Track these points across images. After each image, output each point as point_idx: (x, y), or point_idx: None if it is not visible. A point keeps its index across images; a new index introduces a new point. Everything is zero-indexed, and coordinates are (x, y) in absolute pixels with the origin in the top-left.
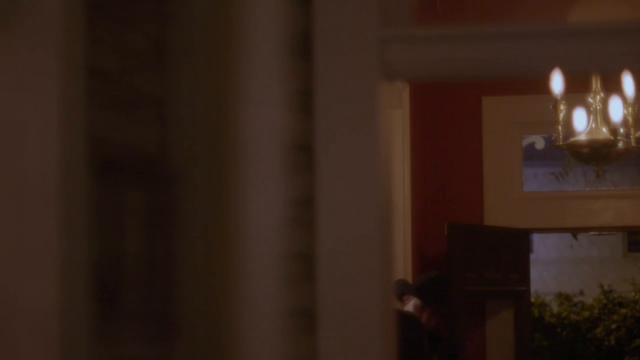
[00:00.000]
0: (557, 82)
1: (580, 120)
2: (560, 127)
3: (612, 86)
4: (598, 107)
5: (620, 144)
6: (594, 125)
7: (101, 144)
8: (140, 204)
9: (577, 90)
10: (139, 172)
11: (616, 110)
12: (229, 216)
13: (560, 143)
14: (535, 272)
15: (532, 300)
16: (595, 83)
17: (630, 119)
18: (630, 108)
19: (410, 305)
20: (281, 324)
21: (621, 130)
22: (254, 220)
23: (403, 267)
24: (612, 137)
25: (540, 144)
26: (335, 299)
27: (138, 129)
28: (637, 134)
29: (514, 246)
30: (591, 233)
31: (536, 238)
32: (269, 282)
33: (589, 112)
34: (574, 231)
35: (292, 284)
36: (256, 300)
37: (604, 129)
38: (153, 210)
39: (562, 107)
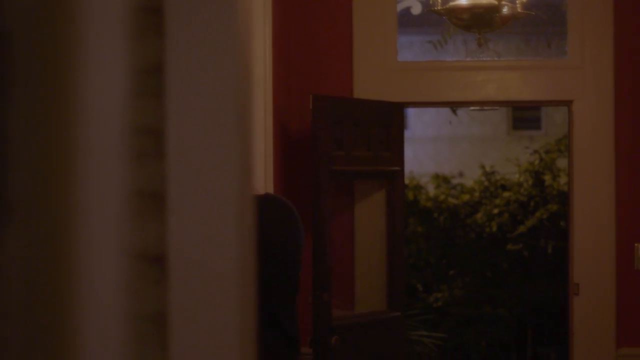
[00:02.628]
0: None
1: None
2: None
3: None
4: None
5: (505, 9)
6: None
7: None
8: None
9: None
10: None
11: None
12: (66, 84)
13: (439, 7)
14: (410, 151)
15: (407, 181)
16: None
17: None
18: None
19: None
20: (128, 203)
21: None
22: (96, 91)
23: (264, 145)
24: (495, 2)
25: (416, 8)
26: (187, 177)
27: None
28: None
29: (387, 122)
30: (472, 108)
31: (411, 113)
32: (114, 159)
33: None
34: (453, 106)
35: (139, 160)
36: (99, 177)
37: None
38: None
39: None
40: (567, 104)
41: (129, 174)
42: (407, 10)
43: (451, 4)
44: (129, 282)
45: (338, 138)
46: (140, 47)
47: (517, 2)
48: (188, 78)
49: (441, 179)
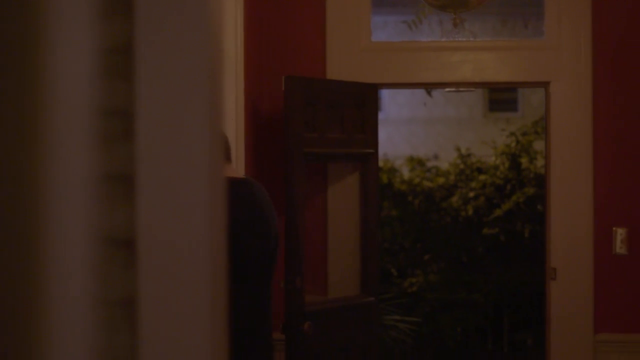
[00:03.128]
0: None
1: None
2: None
3: None
4: None
5: None
6: None
7: None
8: None
9: None
10: None
11: None
12: (32, 65)
13: None
14: (384, 133)
15: (381, 164)
16: None
17: None
18: None
19: None
20: (96, 187)
21: None
22: (62, 72)
23: (235, 127)
24: None
25: None
26: (156, 160)
27: None
28: None
29: (360, 103)
30: (447, 89)
31: (385, 94)
32: (81, 142)
33: None
34: (428, 87)
35: (107, 143)
36: (66, 161)
37: None
38: None
39: None
40: (544, 85)
41: (97, 157)
42: None
43: None
44: (98, 267)
45: (311, 120)
46: (108, 26)
47: None
48: (157, 58)
49: (416, 162)
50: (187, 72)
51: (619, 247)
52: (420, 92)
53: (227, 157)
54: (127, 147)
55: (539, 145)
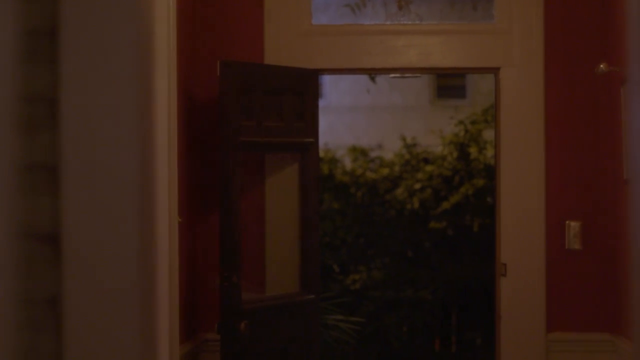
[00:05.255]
0: None
1: None
2: None
3: None
4: None
5: None
6: None
7: None
8: None
9: None
10: None
11: None
12: None
13: None
14: (325, 122)
15: (321, 154)
16: None
17: None
18: None
19: None
20: (18, 178)
21: None
22: None
23: (167, 115)
24: None
25: None
26: (82, 149)
27: None
28: None
29: (300, 90)
30: (392, 75)
31: (327, 81)
32: (1, 130)
33: None
34: (372, 73)
35: (29, 131)
36: None
37: None
38: None
39: None
40: (494, 71)
41: (19, 146)
42: None
43: None
44: (20, 264)
45: (247, 107)
46: (31, 6)
47: None
48: (84, 41)
49: (359, 152)
50: (115, 57)
51: (572, 242)
52: (363, 79)
53: None
54: (51, 135)
55: (488, 134)
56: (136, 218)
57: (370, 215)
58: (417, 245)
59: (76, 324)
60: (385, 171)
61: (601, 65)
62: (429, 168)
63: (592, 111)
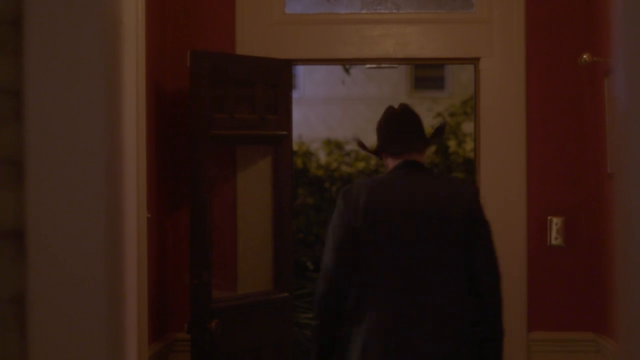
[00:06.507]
0: None
1: None
2: None
3: None
4: None
5: None
6: None
7: None
8: None
9: None
10: None
11: None
12: None
13: None
14: (299, 114)
15: (295, 147)
16: None
17: None
18: None
19: None
20: None
21: None
22: None
23: (136, 107)
24: None
25: None
26: (47, 143)
27: None
28: None
29: (273, 81)
30: (368, 66)
31: (301, 71)
32: None
33: None
34: (347, 63)
35: None
36: None
37: None
38: None
39: None
40: (474, 61)
41: None
42: None
43: None
44: None
45: (219, 99)
46: None
47: None
48: (49, 32)
49: (333, 145)
50: (82, 47)
51: (555, 238)
52: (338, 69)
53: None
54: (15, 129)
55: (468, 127)
56: (103, 214)
57: None
58: None
59: (41, 323)
60: (361, 165)
61: (584, 56)
62: None
63: (575, 103)
